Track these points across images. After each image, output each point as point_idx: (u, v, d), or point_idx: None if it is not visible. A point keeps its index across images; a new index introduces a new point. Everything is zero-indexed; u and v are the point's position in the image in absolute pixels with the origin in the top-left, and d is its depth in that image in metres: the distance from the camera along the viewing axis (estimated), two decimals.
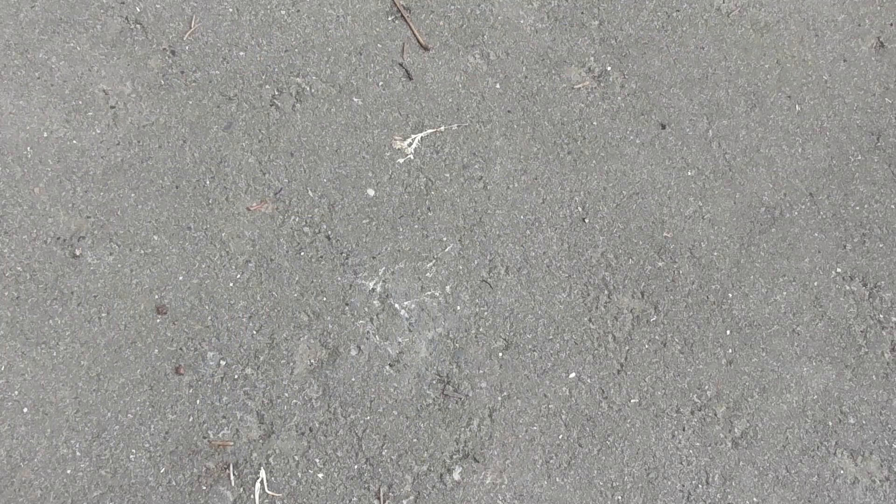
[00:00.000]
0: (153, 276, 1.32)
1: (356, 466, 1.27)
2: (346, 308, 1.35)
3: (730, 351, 1.42)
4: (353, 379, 1.31)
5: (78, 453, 1.22)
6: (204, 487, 1.23)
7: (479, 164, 1.47)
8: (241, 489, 1.23)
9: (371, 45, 1.51)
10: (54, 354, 1.25)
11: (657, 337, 1.41)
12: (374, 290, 1.36)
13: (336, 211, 1.40)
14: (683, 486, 1.34)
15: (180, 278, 1.32)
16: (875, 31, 1.68)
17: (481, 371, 1.34)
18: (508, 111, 1.51)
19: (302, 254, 1.37)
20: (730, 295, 1.45)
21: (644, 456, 1.34)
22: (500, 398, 1.33)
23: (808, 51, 1.65)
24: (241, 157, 1.41)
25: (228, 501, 1.23)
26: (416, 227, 1.41)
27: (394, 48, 1.51)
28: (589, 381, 1.37)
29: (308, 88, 1.46)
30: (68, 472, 1.21)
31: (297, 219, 1.39)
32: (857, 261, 1.51)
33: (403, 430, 1.29)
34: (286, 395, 1.29)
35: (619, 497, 1.31)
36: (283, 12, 1.51)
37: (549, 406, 1.34)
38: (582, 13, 1.60)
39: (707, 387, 1.39)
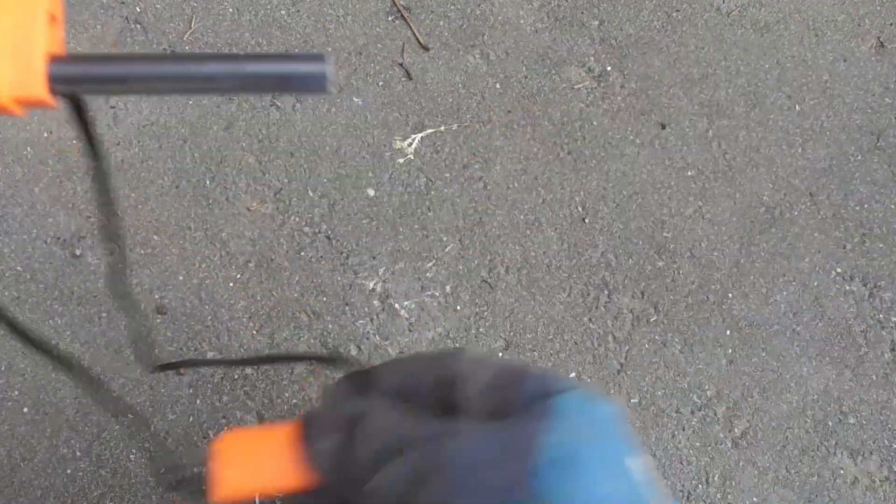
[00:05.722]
0: (153, 276, 1.32)
1: None
2: (346, 308, 1.35)
3: (730, 351, 1.42)
4: None
5: (78, 453, 1.22)
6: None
7: (479, 164, 1.47)
8: None
9: (371, 45, 1.51)
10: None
11: (657, 337, 1.41)
12: (374, 290, 1.36)
13: (336, 211, 1.40)
14: (683, 486, 1.34)
15: (180, 278, 1.32)
16: (875, 31, 1.68)
17: None
18: (508, 111, 1.51)
19: (302, 254, 1.37)
20: (730, 295, 1.45)
21: (644, 456, 1.34)
22: None
23: (808, 51, 1.65)
24: (241, 157, 1.41)
25: None
26: (416, 227, 1.41)
27: (394, 48, 1.51)
28: (589, 381, 1.36)
29: None
30: (68, 472, 1.21)
31: (297, 219, 1.39)
32: (857, 261, 1.51)
33: None
34: (286, 394, 1.29)
35: None
36: (283, 12, 1.51)
37: None
38: (582, 13, 1.60)
39: (707, 387, 1.39)
